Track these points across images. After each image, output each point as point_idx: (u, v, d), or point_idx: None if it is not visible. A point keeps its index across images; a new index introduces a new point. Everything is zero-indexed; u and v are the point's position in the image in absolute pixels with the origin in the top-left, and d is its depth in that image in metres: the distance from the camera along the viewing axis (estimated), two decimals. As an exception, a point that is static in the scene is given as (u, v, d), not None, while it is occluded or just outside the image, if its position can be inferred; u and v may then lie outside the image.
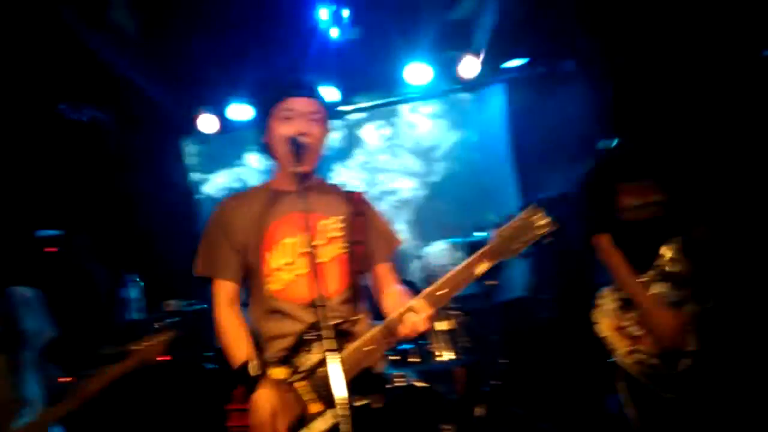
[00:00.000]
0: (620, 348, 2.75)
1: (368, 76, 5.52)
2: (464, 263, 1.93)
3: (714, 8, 4.29)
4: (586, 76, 5.17)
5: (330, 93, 5.23)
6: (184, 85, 5.17)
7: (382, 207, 5.49)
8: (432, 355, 3.92)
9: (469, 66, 5.21)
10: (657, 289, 2.78)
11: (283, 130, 2.12)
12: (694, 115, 4.21)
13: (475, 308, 4.49)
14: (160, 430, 3.82)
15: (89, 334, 3.76)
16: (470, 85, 5.67)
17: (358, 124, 6.09)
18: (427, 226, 5.86)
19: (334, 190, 2.32)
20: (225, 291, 2.15)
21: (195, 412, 3.77)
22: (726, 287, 2.83)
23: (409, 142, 6.03)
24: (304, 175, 2.06)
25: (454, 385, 4.16)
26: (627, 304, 2.80)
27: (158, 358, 2.93)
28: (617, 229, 2.86)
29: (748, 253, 3.32)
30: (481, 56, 5.14)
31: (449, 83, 5.53)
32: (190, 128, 5.34)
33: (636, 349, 2.73)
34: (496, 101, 5.85)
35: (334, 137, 5.85)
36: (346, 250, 2.15)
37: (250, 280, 2.18)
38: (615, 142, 3.05)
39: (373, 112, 6.05)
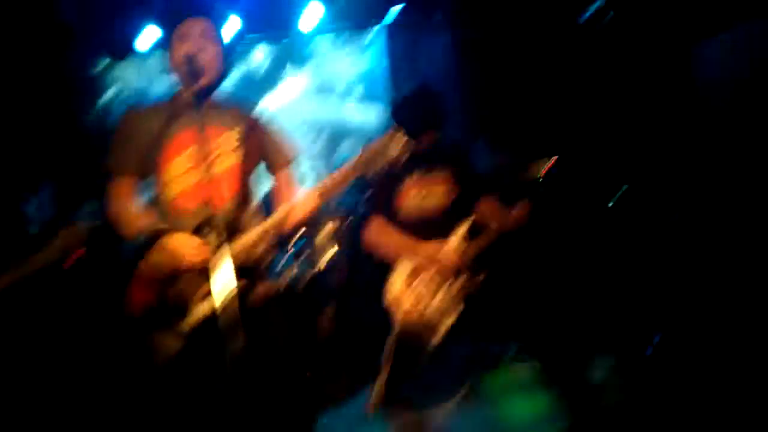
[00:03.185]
0: (401, 306, 2.66)
1: (269, 10, 5.13)
2: (337, 171, 1.94)
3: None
4: (450, 26, 5.15)
5: (234, 22, 4.83)
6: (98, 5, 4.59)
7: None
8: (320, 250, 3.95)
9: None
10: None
11: (180, 48, 1.94)
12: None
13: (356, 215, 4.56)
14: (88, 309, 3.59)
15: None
16: (357, 26, 5.48)
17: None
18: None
19: (235, 103, 2.18)
20: (123, 185, 2.06)
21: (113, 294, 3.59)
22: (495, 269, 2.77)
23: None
24: (203, 91, 1.92)
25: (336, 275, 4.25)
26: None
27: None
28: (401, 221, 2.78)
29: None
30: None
31: (337, 22, 5.28)
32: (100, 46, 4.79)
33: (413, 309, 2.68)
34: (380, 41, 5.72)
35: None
36: (240, 161, 2.06)
37: (155, 185, 2.06)
38: None
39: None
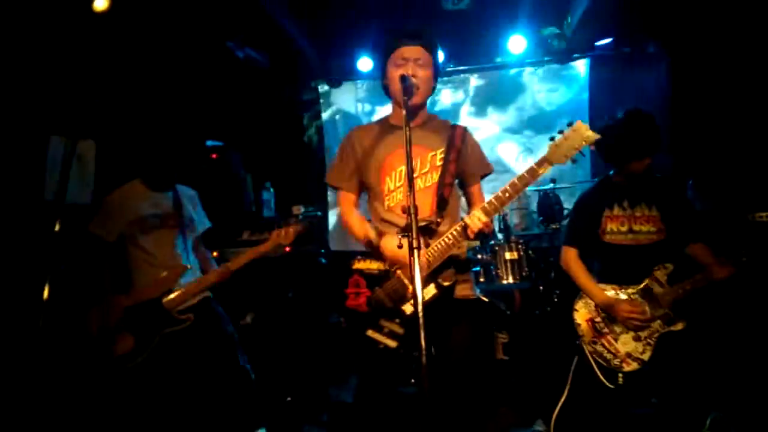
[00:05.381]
0: (586, 336, 2.70)
1: (473, 43, 5.37)
2: (526, 170, 1.98)
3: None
4: (663, 60, 4.78)
5: (441, 53, 5.13)
6: (322, 37, 5.24)
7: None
8: (497, 278, 3.94)
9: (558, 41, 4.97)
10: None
11: (395, 72, 2.15)
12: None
13: (538, 246, 4.46)
14: (284, 305, 4.05)
15: (235, 223, 4.01)
16: (559, 57, 5.38)
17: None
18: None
19: (440, 124, 2.34)
20: (348, 199, 2.34)
21: (312, 294, 3.98)
22: (696, 320, 2.60)
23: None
24: (413, 110, 2.09)
25: (511, 304, 4.19)
26: None
27: (287, 247, 3.05)
28: (598, 246, 2.76)
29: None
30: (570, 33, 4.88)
31: (541, 54, 5.26)
32: (321, 73, 5.41)
33: (597, 341, 2.67)
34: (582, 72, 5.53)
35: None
36: (441, 177, 2.21)
37: (368, 196, 2.32)
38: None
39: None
